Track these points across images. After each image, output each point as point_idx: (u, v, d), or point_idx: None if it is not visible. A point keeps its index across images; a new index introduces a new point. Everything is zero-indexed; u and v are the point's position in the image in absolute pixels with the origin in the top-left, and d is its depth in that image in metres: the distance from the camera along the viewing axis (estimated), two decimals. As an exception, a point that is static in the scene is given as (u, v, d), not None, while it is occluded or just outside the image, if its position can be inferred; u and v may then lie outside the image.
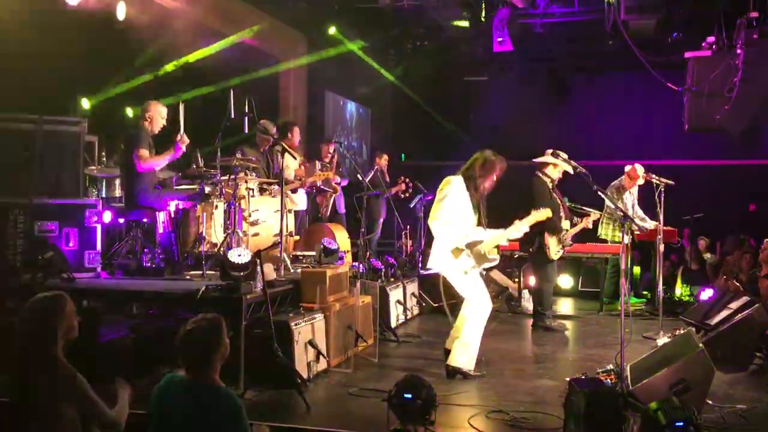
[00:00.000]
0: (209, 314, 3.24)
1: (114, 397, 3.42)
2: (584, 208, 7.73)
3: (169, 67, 8.67)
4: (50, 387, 3.07)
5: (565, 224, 7.37)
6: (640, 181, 8.26)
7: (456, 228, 5.39)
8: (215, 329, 3.16)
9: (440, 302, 7.45)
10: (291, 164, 7.79)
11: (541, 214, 5.84)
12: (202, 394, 3.08)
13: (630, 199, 8.59)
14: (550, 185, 7.36)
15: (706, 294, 7.84)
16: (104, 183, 7.39)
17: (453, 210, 5.40)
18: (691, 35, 10.68)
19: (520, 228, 5.60)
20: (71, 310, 3.30)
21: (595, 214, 7.62)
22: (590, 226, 7.65)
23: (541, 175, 7.39)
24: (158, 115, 6.44)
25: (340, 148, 8.79)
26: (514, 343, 7.02)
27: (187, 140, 6.37)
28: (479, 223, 5.51)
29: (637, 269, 9.54)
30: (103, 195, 7.28)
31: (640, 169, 8.27)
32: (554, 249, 7.28)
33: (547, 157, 7.27)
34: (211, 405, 3.07)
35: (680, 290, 9.51)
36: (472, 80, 13.84)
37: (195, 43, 8.92)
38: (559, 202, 7.40)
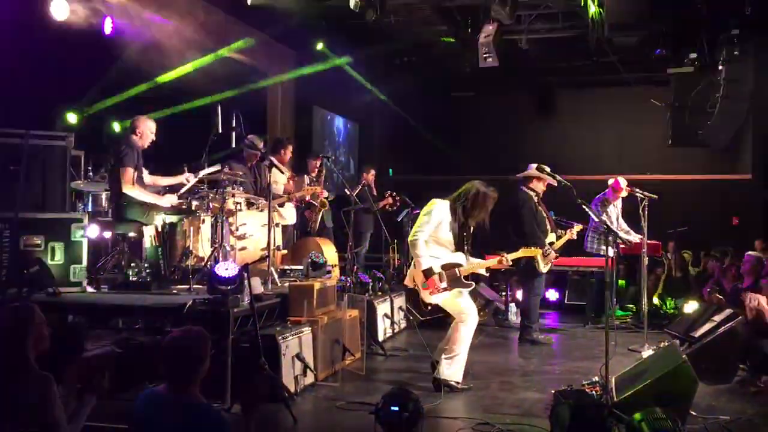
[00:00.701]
0: (194, 327, 3.22)
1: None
2: (570, 222, 7.80)
3: (157, 81, 8.68)
4: (24, 396, 3.06)
5: (551, 237, 7.43)
6: (624, 194, 8.36)
7: (433, 249, 5.46)
8: (199, 343, 3.12)
9: (427, 317, 7.51)
10: (280, 179, 7.81)
11: (531, 251, 6.10)
12: (185, 410, 3.03)
13: (614, 212, 8.67)
14: (536, 199, 7.44)
15: (691, 307, 7.94)
16: (90, 197, 7.37)
17: (433, 231, 5.47)
18: (674, 51, 10.84)
19: (504, 261, 5.76)
20: (40, 321, 3.30)
21: (578, 226, 7.70)
22: (575, 236, 7.74)
23: (526, 189, 7.47)
24: (148, 130, 6.46)
25: (327, 163, 8.81)
26: (501, 356, 7.05)
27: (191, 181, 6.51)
28: (459, 249, 5.56)
29: (622, 282, 9.61)
30: (90, 209, 7.25)
31: (623, 181, 8.38)
32: (542, 262, 7.35)
33: (532, 171, 7.36)
34: (194, 421, 3.03)
35: (657, 299, 9.57)
36: (458, 95, 13.94)
37: (183, 57, 8.94)
38: (545, 215, 7.48)
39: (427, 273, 5.41)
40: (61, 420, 3.13)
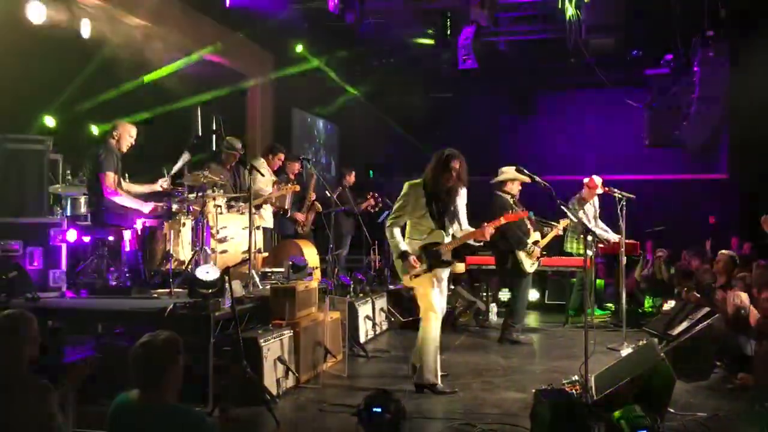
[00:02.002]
0: (165, 332, 3.14)
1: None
2: (550, 222, 7.88)
3: (135, 84, 8.63)
4: (22, 407, 3.03)
5: (535, 236, 7.50)
6: (599, 191, 8.44)
7: (414, 232, 5.42)
8: (166, 346, 3.06)
9: (409, 317, 7.54)
10: (262, 182, 7.79)
11: (513, 216, 5.94)
12: (157, 414, 3.00)
13: (591, 210, 8.76)
14: (512, 201, 7.49)
15: (668, 305, 8.06)
16: (69, 201, 7.31)
17: (410, 214, 5.42)
18: (650, 53, 10.98)
19: (486, 231, 5.50)
20: (34, 328, 3.27)
21: (564, 221, 7.76)
22: (561, 232, 7.83)
23: (500, 193, 7.51)
24: (126, 134, 6.44)
25: (307, 165, 8.81)
26: (482, 356, 7.08)
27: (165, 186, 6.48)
28: (440, 227, 5.43)
29: (600, 282, 9.70)
30: (68, 214, 7.19)
31: (598, 179, 8.47)
32: (528, 263, 7.42)
33: (505, 175, 7.42)
34: (167, 424, 3.00)
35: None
36: (437, 96, 14.00)
37: (161, 59, 8.90)
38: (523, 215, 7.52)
39: (404, 256, 5.38)
40: (63, 427, 3.12)
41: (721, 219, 11.54)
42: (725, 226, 11.12)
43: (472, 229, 5.55)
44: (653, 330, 6.86)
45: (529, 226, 7.51)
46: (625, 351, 6.35)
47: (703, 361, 5.87)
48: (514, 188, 7.51)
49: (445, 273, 5.56)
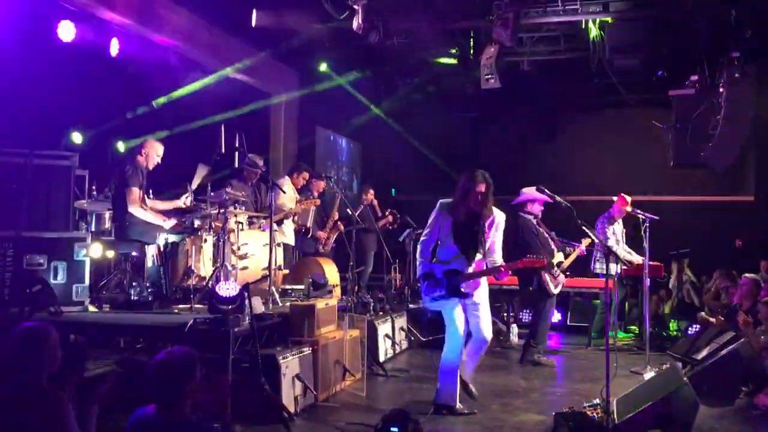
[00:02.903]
0: (181, 348, 3.18)
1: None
2: (573, 243, 7.81)
3: (160, 101, 8.75)
4: (39, 420, 3.05)
5: (558, 256, 7.45)
6: (628, 208, 8.33)
7: (442, 254, 5.37)
8: (184, 362, 3.09)
9: (429, 337, 7.50)
10: (284, 198, 7.84)
11: (528, 262, 5.59)
12: (172, 429, 3.02)
13: (619, 230, 8.67)
14: (535, 221, 7.46)
15: (693, 328, 7.93)
16: (94, 217, 7.40)
17: (435, 231, 5.38)
18: (675, 73, 10.89)
19: (501, 275, 5.42)
20: (55, 341, 3.30)
21: (587, 240, 7.67)
22: (584, 252, 7.76)
23: (524, 214, 7.49)
24: (154, 152, 6.53)
25: (330, 183, 8.85)
26: (502, 377, 7.02)
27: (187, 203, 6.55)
28: (465, 253, 5.33)
29: (626, 304, 9.58)
30: (93, 229, 7.27)
31: (628, 197, 8.40)
32: (553, 284, 7.36)
33: (527, 195, 7.39)
34: None
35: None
36: (460, 116, 14.00)
37: (186, 78, 9.02)
38: (547, 235, 7.49)
39: (423, 277, 5.35)
40: None
41: (748, 241, 11.34)
42: (752, 249, 10.92)
43: (500, 263, 5.41)
44: (677, 354, 6.76)
45: (553, 246, 7.48)
46: (648, 374, 6.26)
47: (728, 385, 5.76)
48: (536, 209, 7.50)
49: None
